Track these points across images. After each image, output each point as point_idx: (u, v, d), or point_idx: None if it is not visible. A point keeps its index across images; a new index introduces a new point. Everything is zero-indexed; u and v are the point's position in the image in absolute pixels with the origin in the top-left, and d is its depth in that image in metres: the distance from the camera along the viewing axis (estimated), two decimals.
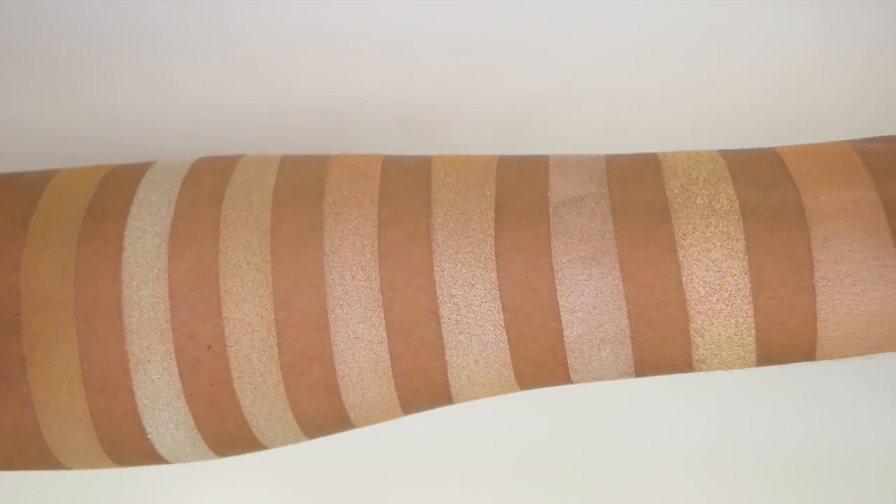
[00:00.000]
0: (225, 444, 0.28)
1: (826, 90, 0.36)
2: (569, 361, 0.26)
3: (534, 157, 0.28)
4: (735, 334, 0.25)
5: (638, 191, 0.26)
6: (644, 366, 0.26)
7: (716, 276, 0.25)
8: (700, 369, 0.26)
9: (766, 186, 0.26)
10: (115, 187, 0.28)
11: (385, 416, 0.28)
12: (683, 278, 0.25)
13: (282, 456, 0.36)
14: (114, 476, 0.37)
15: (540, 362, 0.26)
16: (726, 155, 0.27)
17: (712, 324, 0.25)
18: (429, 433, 0.37)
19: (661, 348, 0.26)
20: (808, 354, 0.26)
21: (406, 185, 0.27)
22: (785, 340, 0.25)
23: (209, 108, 0.36)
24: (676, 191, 0.26)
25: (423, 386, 0.27)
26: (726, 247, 0.25)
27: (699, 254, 0.25)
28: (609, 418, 0.37)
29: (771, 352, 0.26)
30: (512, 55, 0.35)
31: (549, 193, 0.26)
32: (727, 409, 0.37)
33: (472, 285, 0.26)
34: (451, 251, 0.26)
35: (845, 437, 0.36)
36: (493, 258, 0.26)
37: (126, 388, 0.26)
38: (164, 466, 0.36)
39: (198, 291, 0.26)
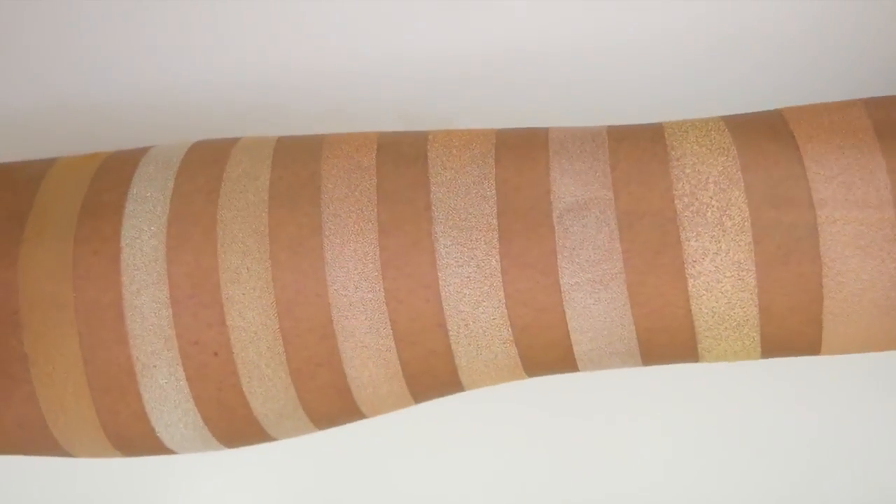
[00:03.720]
0: (235, 439, 0.28)
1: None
2: (578, 366, 0.27)
3: (532, 137, 0.27)
4: (741, 350, 0.26)
5: (645, 197, 0.25)
6: (651, 363, 0.27)
7: (726, 307, 0.25)
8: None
9: (780, 199, 0.25)
10: (109, 180, 0.27)
11: (397, 407, 0.28)
12: (693, 308, 0.25)
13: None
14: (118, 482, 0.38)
15: (549, 368, 0.27)
16: (735, 135, 0.26)
17: (720, 344, 0.26)
18: (426, 478, 0.37)
19: (669, 357, 0.26)
20: (811, 353, 0.26)
21: (404, 182, 0.26)
22: (789, 353, 0.26)
23: (207, 87, 0.36)
24: (686, 199, 0.25)
25: (434, 384, 0.27)
26: (737, 277, 0.25)
27: (709, 284, 0.25)
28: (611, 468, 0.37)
29: (775, 354, 0.27)
30: (516, 60, 0.35)
31: (550, 197, 0.25)
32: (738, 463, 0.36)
33: (480, 303, 0.26)
34: (455, 265, 0.25)
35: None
36: (500, 274, 0.25)
37: (133, 392, 0.26)
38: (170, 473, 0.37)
39: (199, 298, 0.26)
